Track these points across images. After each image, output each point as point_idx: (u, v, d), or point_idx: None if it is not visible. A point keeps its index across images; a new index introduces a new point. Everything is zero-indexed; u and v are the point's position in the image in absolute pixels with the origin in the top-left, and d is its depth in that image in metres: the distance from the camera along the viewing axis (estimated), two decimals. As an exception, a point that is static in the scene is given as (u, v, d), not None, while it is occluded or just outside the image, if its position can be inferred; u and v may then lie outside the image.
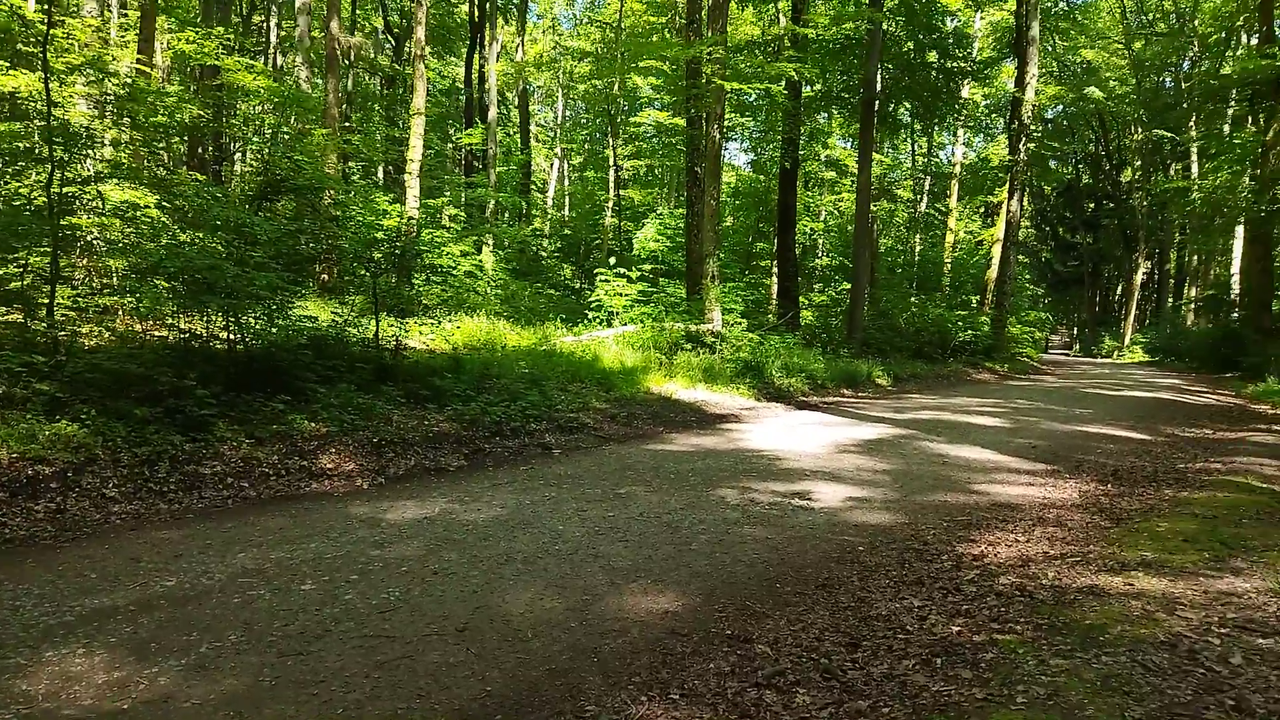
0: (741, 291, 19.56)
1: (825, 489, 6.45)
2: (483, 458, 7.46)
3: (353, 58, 27.29)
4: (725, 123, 24.09)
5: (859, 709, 2.78)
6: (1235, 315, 28.22)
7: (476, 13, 26.97)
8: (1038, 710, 2.61)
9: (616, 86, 25.65)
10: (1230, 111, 28.91)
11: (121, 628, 3.42)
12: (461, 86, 29.68)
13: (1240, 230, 27.94)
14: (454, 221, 19.79)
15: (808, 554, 4.68)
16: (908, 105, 25.13)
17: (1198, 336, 29.89)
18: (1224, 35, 32.77)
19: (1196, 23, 31.70)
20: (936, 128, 31.86)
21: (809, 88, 23.02)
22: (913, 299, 25.98)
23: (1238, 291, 29.23)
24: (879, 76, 20.74)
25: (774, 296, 24.57)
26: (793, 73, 15.83)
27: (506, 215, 30.00)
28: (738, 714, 2.78)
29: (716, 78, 14.99)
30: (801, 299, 24.26)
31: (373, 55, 30.96)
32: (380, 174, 26.93)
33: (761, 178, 30.41)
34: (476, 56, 26.95)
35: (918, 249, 38.82)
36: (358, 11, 27.82)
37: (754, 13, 28.37)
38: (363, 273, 9.65)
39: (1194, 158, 32.52)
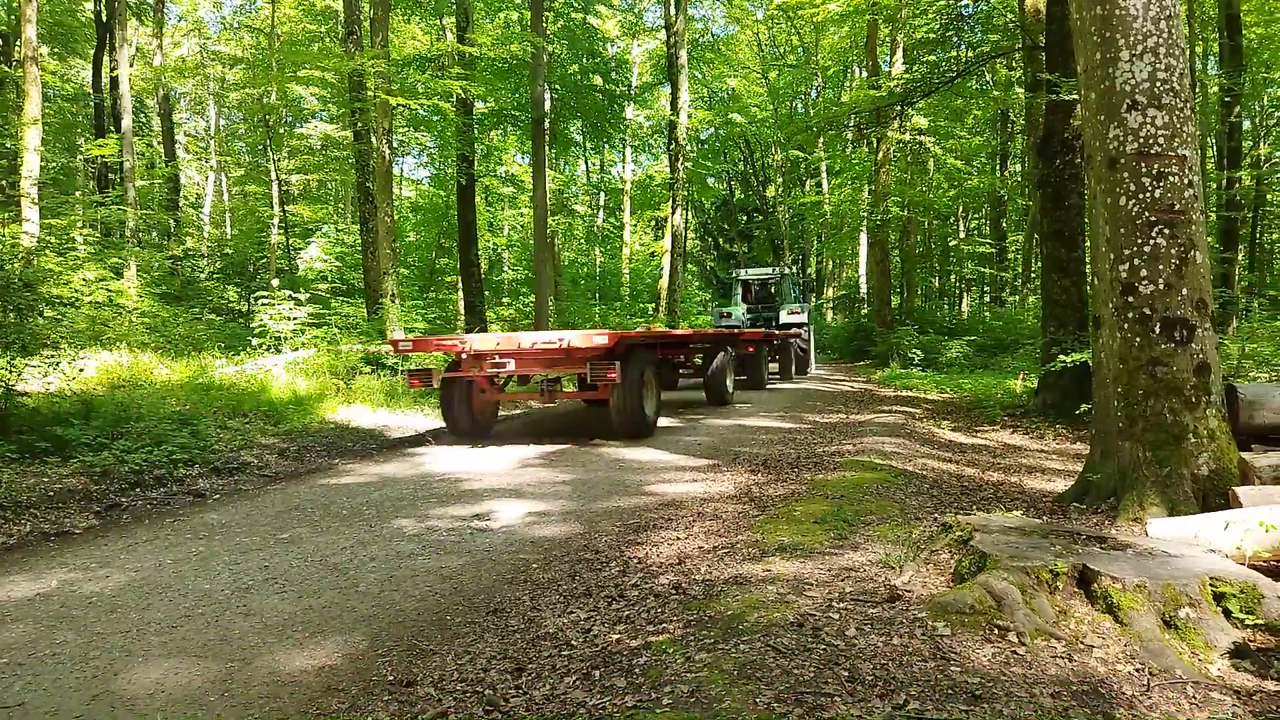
0: (422, 309, 19.13)
1: (506, 507, 6.45)
2: (119, 514, 6.55)
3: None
4: (397, 138, 23.46)
5: (519, 737, 2.77)
6: (864, 311, 32.68)
7: (104, 11, 23.87)
8: (681, 710, 2.75)
9: (275, 96, 23.98)
10: (849, 135, 33.40)
11: None
12: (90, 92, 26.16)
13: (864, 237, 32.38)
14: (88, 243, 17.38)
15: (482, 579, 4.63)
16: (578, 124, 26.16)
17: (836, 331, 34.23)
18: (841, 69, 37.87)
19: (819, 57, 36.25)
20: (606, 146, 33.47)
21: (482, 105, 23.13)
22: (595, 308, 27.06)
23: (865, 290, 33.89)
24: (547, 96, 21.36)
25: (461, 312, 24.41)
26: (459, 90, 15.79)
27: (155, 234, 26.91)
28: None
29: (381, 92, 14.55)
30: (489, 313, 24.32)
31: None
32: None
33: (442, 193, 30.09)
34: (106, 59, 23.86)
35: (599, 261, 40.60)
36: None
37: (421, 26, 27.98)
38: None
39: (824, 175, 37.18)
